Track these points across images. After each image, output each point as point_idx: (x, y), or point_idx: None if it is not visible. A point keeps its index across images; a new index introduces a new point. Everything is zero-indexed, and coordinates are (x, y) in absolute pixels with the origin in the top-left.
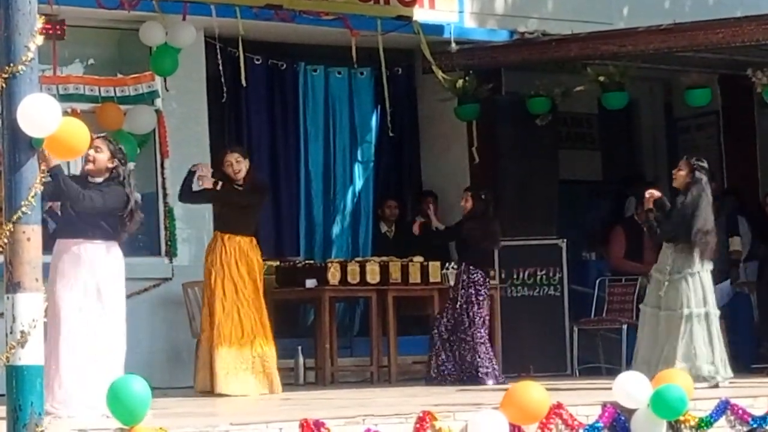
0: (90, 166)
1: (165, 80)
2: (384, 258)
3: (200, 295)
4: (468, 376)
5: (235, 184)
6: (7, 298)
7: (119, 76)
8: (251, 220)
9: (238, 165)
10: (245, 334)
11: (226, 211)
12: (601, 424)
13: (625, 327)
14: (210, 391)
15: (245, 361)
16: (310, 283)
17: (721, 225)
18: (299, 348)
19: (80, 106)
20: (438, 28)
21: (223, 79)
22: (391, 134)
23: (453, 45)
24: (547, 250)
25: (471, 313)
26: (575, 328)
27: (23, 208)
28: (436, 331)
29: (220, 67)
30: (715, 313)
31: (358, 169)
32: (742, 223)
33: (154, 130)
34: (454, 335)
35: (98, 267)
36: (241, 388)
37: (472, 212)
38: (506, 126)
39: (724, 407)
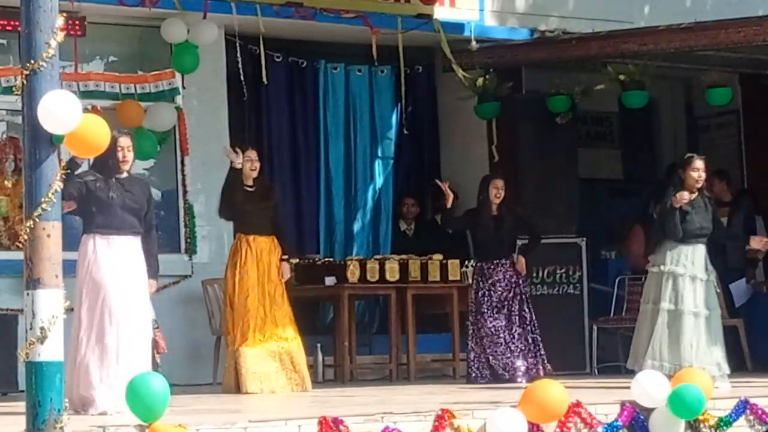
0: (127, 166)
1: (183, 77)
2: (403, 256)
3: (220, 292)
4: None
5: (246, 185)
6: (27, 294)
7: (140, 73)
8: (269, 220)
9: (257, 163)
10: (272, 332)
11: (246, 215)
12: (619, 423)
13: None
14: (238, 391)
15: (274, 360)
16: (330, 280)
17: (739, 225)
18: (318, 345)
19: (101, 103)
20: (458, 27)
21: (243, 77)
22: (406, 132)
23: (473, 43)
24: (567, 249)
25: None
26: (594, 327)
27: (43, 205)
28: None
29: (241, 65)
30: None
31: (378, 166)
32: (758, 222)
33: (174, 127)
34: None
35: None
36: (270, 386)
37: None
38: (526, 124)
39: (743, 407)
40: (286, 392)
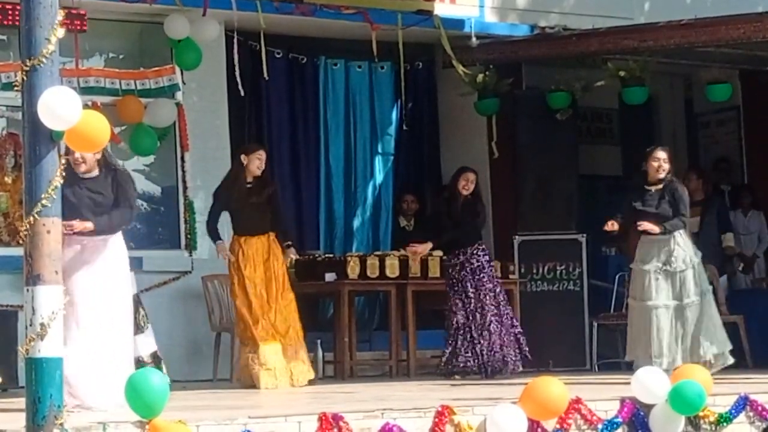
0: (83, 168)
1: (183, 73)
2: (403, 252)
3: (220, 288)
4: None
5: (246, 182)
6: (27, 290)
7: (140, 69)
8: (263, 217)
9: (263, 162)
10: (280, 328)
11: (240, 214)
12: (620, 419)
13: None
14: (251, 386)
15: (284, 355)
16: (330, 276)
17: (712, 223)
18: (318, 342)
19: (101, 99)
20: (458, 23)
21: (243, 73)
22: (405, 128)
23: (473, 39)
24: (567, 245)
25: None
26: (594, 323)
27: (43, 201)
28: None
29: (240, 61)
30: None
31: (378, 162)
32: (758, 217)
33: (174, 123)
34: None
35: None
36: (284, 381)
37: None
38: (526, 121)
39: (743, 403)
40: (299, 384)
